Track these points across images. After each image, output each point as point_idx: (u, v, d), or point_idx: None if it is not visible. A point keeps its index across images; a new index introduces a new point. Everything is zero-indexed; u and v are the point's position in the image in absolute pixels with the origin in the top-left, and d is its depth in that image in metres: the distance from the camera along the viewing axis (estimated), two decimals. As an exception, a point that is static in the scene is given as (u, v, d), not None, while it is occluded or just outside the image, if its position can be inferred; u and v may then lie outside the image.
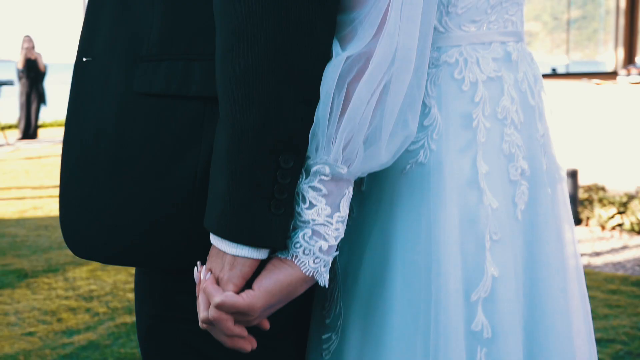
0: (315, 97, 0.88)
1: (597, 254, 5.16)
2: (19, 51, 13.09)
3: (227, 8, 0.87)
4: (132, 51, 0.99)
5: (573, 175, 5.77)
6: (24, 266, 4.92)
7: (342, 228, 0.92)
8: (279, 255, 0.91)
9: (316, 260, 0.90)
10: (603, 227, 5.77)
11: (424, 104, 1.03)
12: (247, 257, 0.89)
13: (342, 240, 1.07)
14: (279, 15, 0.85)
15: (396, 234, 1.02)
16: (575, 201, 5.83)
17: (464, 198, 1.01)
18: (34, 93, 13.01)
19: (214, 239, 0.91)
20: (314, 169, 0.89)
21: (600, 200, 5.97)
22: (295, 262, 0.90)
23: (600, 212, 5.78)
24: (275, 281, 0.90)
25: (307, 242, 0.90)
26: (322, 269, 0.91)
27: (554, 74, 10.40)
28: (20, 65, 13.02)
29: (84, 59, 1.05)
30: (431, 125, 1.02)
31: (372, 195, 1.05)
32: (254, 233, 0.88)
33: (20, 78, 13.05)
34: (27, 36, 13.13)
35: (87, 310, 4.04)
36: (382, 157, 0.92)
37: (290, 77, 0.86)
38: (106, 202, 0.99)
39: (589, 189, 6.33)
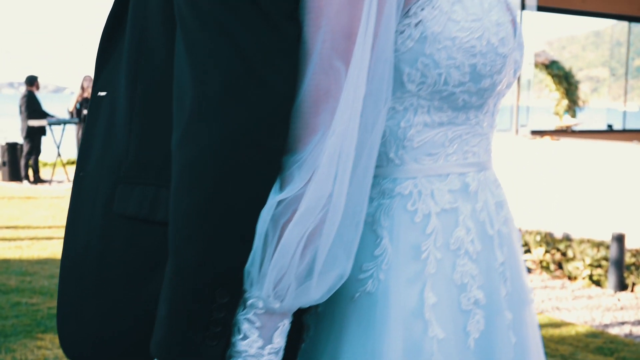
0: (252, 237, 0.93)
1: (640, 323, 5.03)
2: (78, 89, 13.30)
3: (180, 148, 0.94)
4: (114, 171, 1.07)
5: (620, 239, 5.66)
6: (67, 310, 5.04)
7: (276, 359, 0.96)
8: None
9: None
10: (649, 294, 5.63)
11: (375, 234, 1.07)
12: None
13: (300, 356, 1.11)
14: (223, 161, 0.91)
15: (343, 360, 1.05)
16: (621, 266, 5.71)
17: (409, 329, 1.04)
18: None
19: None
20: (249, 302, 0.94)
21: (648, 266, 5.83)
22: None
23: (647, 278, 5.65)
24: None
25: None
26: None
27: (609, 131, 10.23)
28: (71, 107, 13.19)
29: (80, 174, 1.14)
30: (381, 255, 1.06)
31: (326, 318, 1.09)
32: None
33: (72, 115, 13.25)
34: (88, 76, 13.29)
35: (122, 359, 4.12)
36: (313, 294, 0.97)
37: (228, 218, 0.92)
38: (90, 313, 1.07)
39: (636, 252, 6.18)
